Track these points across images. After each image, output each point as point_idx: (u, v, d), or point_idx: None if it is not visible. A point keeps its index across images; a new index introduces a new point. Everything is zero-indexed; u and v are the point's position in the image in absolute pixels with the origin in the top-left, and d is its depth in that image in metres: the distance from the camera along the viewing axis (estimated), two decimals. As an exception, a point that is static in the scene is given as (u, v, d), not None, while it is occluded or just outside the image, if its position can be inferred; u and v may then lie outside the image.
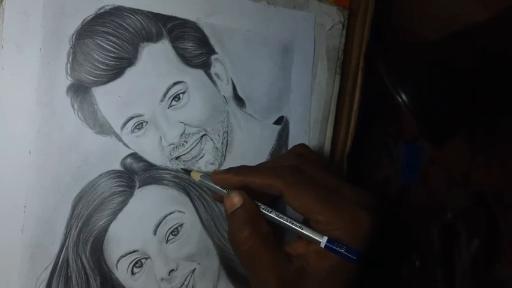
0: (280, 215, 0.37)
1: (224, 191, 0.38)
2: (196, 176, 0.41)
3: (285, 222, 0.36)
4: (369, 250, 0.35)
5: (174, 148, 0.43)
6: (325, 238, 0.34)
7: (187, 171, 0.42)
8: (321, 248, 0.35)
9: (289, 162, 0.39)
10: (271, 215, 0.37)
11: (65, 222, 0.39)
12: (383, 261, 0.35)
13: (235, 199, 0.37)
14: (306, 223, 0.36)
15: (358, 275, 0.36)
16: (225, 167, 0.44)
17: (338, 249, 0.34)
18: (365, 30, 0.49)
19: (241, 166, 0.40)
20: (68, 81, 0.39)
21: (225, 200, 0.37)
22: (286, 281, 0.35)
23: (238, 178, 0.38)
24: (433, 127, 0.46)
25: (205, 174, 0.41)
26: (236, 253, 0.37)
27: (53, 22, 0.39)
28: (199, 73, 0.44)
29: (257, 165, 0.41)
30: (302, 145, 0.44)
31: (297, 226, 0.36)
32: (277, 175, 0.36)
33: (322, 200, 0.35)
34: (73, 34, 0.39)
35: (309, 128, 0.48)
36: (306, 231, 0.35)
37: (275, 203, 0.39)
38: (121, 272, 0.41)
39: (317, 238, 0.35)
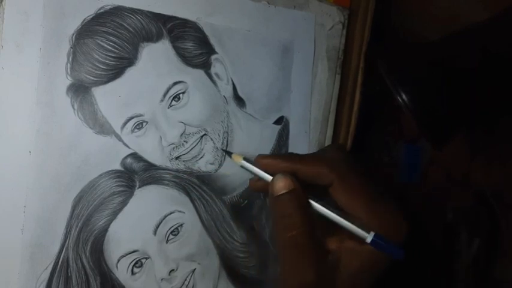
0: (328, 206, 0.36)
1: (269, 176, 0.37)
2: (238, 159, 0.39)
3: (333, 215, 0.35)
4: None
5: (174, 148, 0.43)
6: (372, 233, 0.34)
7: (229, 153, 0.41)
8: (354, 245, 0.35)
9: (335, 154, 0.38)
10: (319, 205, 0.36)
11: (65, 222, 0.39)
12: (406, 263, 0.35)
13: (286, 183, 0.35)
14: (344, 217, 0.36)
15: (385, 273, 0.36)
16: (225, 167, 0.44)
17: (385, 244, 0.34)
18: (365, 30, 0.49)
19: (289, 153, 0.39)
20: (68, 81, 0.39)
21: (272, 182, 0.36)
22: (321, 275, 0.34)
23: (287, 164, 0.36)
24: (433, 127, 0.46)
25: (248, 158, 0.39)
26: (278, 239, 0.36)
27: (53, 22, 0.39)
28: (200, 73, 0.44)
29: (304, 154, 0.40)
30: (338, 144, 0.44)
31: (345, 219, 0.35)
32: (330, 165, 0.36)
33: (369, 199, 0.35)
34: (73, 34, 0.39)
35: (309, 128, 0.48)
36: (354, 225, 0.35)
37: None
38: (121, 272, 0.41)
39: (364, 233, 0.34)
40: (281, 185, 0.35)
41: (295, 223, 0.35)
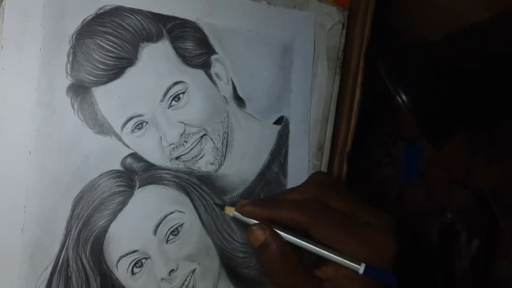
0: (314, 244, 0.37)
1: (252, 222, 0.38)
2: (230, 211, 0.40)
3: (322, 252, 0.36)
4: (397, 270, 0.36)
5: (174, 148, 0.43)
6: (363, 265, 0.35)
7: (221, 207, 0.42)
8: (350, 272, 0.36)
9: (310, 192, 0.39)
10: (306, 243, 0.37)
11: (65, 222, 0.39)
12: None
13: (260, 234, 0.37)
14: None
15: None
16: (225, 167, 0.44)
17: (378, 275, 0.35)
18: (365, 30, 0.49)
19: (266, 198, 0.41)
20: (68, 81, 0.39)
21: (250, 234, 0.37)
22: None
23: (264, 212, 0.38)
24: (432, 127, 0.46)
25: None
26: (271, 281, 0.38)
27: (53, 22, 0.39)
28: (200, 73, 0.44)
29: (280, 197, 0.41)
30: (320, 172, 0.45)
31: (334, 254, 0.36)
32: (302, 210, 0.37)
33: (348, 231, 0.36)
34: (73, 34, 0.39)
35: (309, 128, 0.48)
36: (344, 259, 0.36)
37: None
38: (121, 272, 0.41)
39: (355, 265, 0.35)
40: (256, 237, 0.37)
41: (279, 270, 0.37)
